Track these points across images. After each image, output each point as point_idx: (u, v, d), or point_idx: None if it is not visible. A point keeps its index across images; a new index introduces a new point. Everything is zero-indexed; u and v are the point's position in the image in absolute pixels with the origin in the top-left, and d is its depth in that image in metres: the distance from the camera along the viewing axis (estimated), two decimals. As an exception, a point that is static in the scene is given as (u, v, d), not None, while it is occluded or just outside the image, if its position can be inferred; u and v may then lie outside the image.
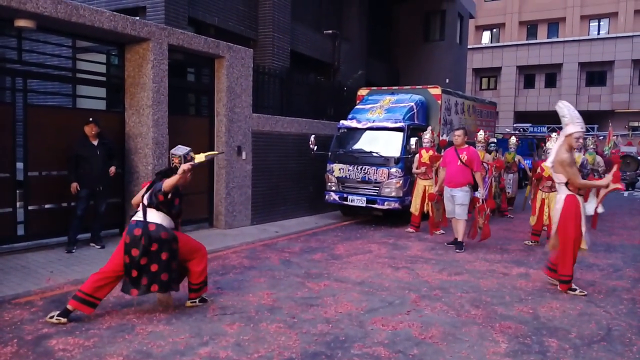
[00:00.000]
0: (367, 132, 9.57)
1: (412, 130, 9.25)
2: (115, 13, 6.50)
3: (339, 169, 9.45)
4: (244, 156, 8.48)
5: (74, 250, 6.20)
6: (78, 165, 6.22)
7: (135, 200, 4.34)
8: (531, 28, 37.60)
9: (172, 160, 4.31)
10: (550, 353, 3.68)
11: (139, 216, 4.14)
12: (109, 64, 7.79)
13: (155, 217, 4.12)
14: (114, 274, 4.09)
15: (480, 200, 7.34)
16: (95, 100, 7.43)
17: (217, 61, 8.16)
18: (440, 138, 9.65)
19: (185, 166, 4.10)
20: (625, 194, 18.04)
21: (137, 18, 7.57)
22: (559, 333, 4.08)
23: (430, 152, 8.44)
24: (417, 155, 8.63)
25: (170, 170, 4.30)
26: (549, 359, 3.57)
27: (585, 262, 6.69)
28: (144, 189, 4.27)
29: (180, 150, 4.32)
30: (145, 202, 4.16)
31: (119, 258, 4.08)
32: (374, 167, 9.12)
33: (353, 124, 9.74)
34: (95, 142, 6.31)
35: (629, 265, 6.64)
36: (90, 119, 6.25)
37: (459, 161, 7.19)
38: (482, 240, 7.48)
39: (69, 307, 3.98)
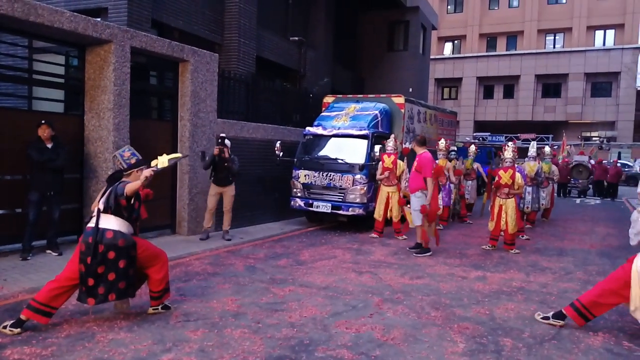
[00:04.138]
0: (333, 139, 9.68)
1: (377, 138, 9.43)
2: (76, 14, 6.35)
3: (305, 175, 9.51)
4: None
5: (29, 258, 5.98)
6: (31, 169, 6.00)
7: (93, 206, 4.24)
8: (491, 40, 39.06)
9: (114, 162, 4.25)
10: (504, 352, 3.84)
11: (93, 222, 4.03)
12: (67, 66, 7.57)
13: (112, 223, 4.01)
14: (70, 282, 3.97)
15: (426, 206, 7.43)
16: (52, 103, 7.21)
17: (181, 65, 8.09)
18: (403, 146, 9.88)
19: (147, 172, 4.02)
20: (578, 200, 18.91)
21: (99, 19, 7.42)
22: (514, 333, 4.27)
23: (392, 157, 8.65)
24: (381, 162, 8.81)
25: (118, 173, 4.23)
26: (504, 358, 3.74)
27: (539, 266, 7.00)
28: (99, 195, 4.18)
29: (118, 150, 4.29)
30: (101, 207, 4.04)
31: (75, 266, 3.97)
32: (339, 174, 9.23)
33: (319, 130, 9.84)
34: (49, 145, 6.10)
35: (580, 268, 6.98)
36: (43, 121, 6.03)
37: (414, 168, 7.44)
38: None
39: (23, 317, 3.84)
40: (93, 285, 3.93)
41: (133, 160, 4.23)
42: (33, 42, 7.13)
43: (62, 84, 7.18)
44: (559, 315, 4.50)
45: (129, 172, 4.22)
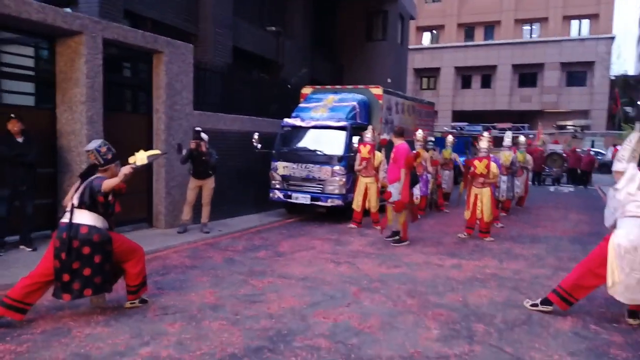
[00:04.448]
0: (311, 130, 9.69)
1: (355, 129, 9.47)
2: (44, 4, 6.18)
3: (283, 167, 9.52)
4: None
5: (2, 254, 5.88)
6: (1, 164, 5.87)
7: (66, 201, 4.20)
8: (469, 30, 39.36)
9: (88, 156, 4.19)
10: (477, 337, 3.97)
11: (67, 218, 4.00)
12: (37, 58, 7.38)
13: (86, 218, 3.99)
14: (44, 278, 3.94)
15: (392, 195, 7.50)
16: (22, 96, 7.03)
17: (155, 56, 7.96)
18: (381, 137, 9.96)
19: (126, 169, 4.01)
20: (552, 188, 19.35)
21: (69, 10, 7.24)
22: (486, 319, 4.40)
23: (368, 147, 8.72)
24: (358, 152, 8.88)
25: (91, 168, 4.19)
26: (476, 342, 3.85)
27: (512, 253, 7.19)
28: (72, 190, 4.14)
29: (91, 145, 4.18)
30: (75, 202, 4.01)
31: (49, 262, 3.94)
32: (317, 165, 9.26)
33: (297, 122, 9.83)
34: (20, 140, 5.97)
35: (551, 254, 7.19)
36: (12, 115, 5.91)
37: (391, 159, 7.55)
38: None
39: (-5, 313, 3.81)
40: (68, 281, 3.91)
41: (110, 156, 4.20)
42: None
43: (32, 77, 7.01)
44: (546, 301, 4.61)
45: (106, 167, 4.18)
